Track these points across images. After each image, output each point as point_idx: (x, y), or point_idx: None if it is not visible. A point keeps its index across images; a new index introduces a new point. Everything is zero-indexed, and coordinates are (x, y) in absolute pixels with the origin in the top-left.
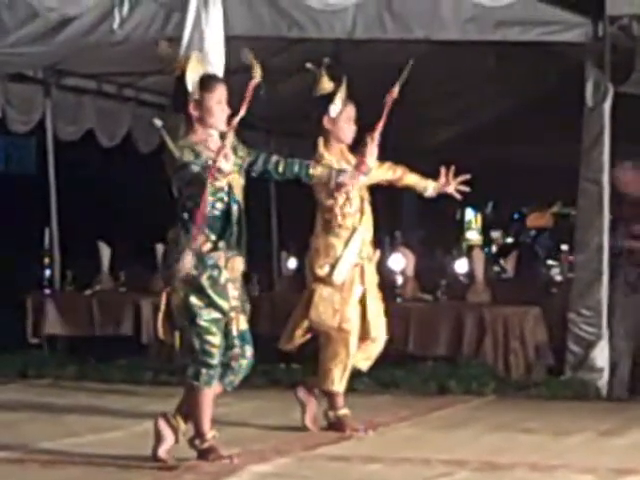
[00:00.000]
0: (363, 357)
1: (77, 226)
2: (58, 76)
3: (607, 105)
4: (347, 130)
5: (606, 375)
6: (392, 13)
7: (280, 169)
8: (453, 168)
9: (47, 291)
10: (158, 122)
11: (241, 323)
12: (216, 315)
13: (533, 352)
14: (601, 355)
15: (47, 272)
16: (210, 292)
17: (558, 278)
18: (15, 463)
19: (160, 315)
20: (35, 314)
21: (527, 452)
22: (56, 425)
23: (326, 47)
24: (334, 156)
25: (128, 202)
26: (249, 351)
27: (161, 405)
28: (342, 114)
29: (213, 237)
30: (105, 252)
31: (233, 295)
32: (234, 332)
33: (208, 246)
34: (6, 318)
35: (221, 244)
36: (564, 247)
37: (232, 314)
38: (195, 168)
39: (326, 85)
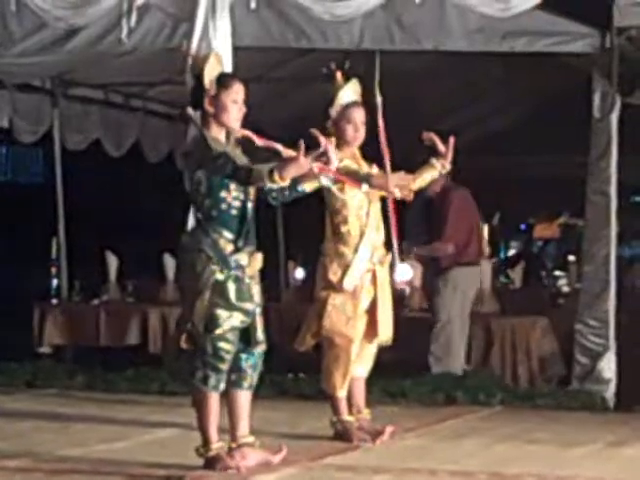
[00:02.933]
0: (361, 365)
1: (84, 236)
2: (65, 86)
3: (614, 116)
4: (349, 131)
5: (613, 386)
6: (400, 24)
7: (274, 194)
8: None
9: (54, 301)
10: (191, 110)
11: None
12: (237, 323)
13: (540, 363)
14: (608, 366)
15: (54, 282)
16: (235, 300)
17: (565, 289)
18: (22, 472)
19: (188, 325)
20: (42, 324)
21: (534, 463)
22: (63, 435)
23: (334, 58)
24: (346, 157)
25: (135, 212)
26: (263, 346)
27: (168, 415)
28: (343, 115)
29: (231, 237)
30: (112, 262)
31: (256, 291)
32: (258, 328)
33: (230, 247)
34: (14, 328)
35: (240, 243)
36: (571, 258)
37: (257, 310)
38: (234, 158)
39: (337, 88)
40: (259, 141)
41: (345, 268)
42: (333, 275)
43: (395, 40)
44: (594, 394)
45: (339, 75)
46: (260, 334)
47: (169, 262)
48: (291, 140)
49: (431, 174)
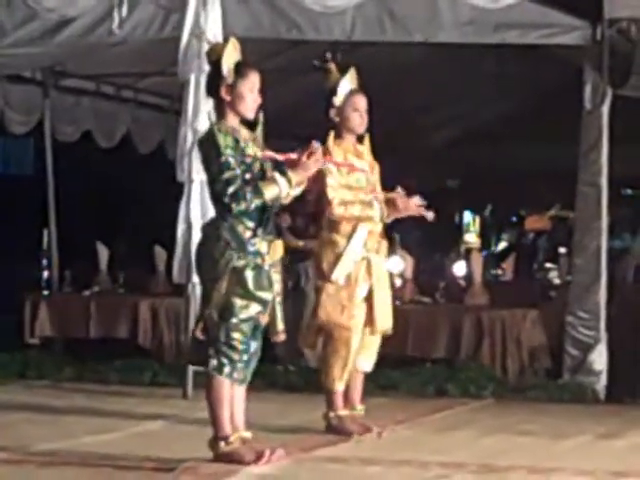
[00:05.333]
0: (364, 358)
1: (75, 227)
2: (57, 77)
3: (605, 108)
4: (355, 119)
5: (604, 378)
6: (391, 15)
7: None
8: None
9: (45, 292)
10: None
11: None
12: (253, 313)
13: (530, 355)
14: (599, 358)
15: (45, 273)
16: (253, 289)
17: (556, 281)
18: (12, 464)
19: (206, 313)
20: (33, 315)
21: (525, 455)
22: (54, 426)
23: (324, 50)
24: (342, 150)
25: (127, 203)
26: (282, 336)
27: (158, 407)
28: (347, 103)
29: (251, 224)
30: (103, 253)
31: (276, 279)
32: (278, 318)
33: (248, 233)
34: (5, 319)
35: (259, 231)
36: (562, 250)
37: (278, 299)
38: (236, 170)
39: (335, 77)
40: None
41: (337, 257)
42: (326, 264)
43: (386, 32)
44: (585, 386)
45: (333, 66)
46: (280, 323)
47: (160, 253)
48: (280, 133)
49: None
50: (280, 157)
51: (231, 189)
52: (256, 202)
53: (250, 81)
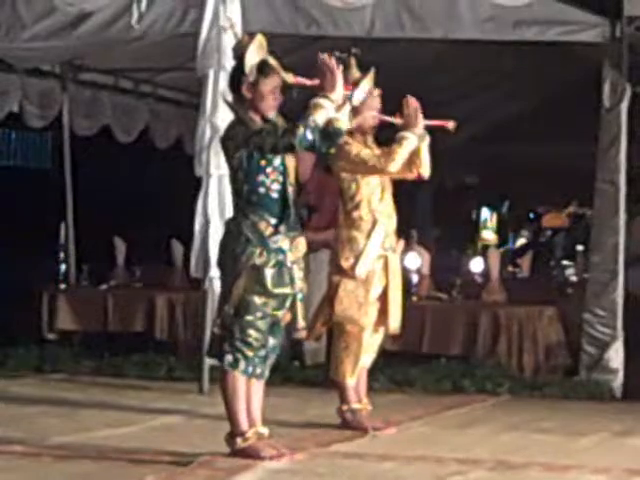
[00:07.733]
0: (367, 354)
1: (93, 221)
2: (75, 71)
3: (624, 106)
4: (370, 119)
5: (620, 376)
6: (410, 12)
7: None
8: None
9: (62, 286)
10: (229, 97)
11: None
12: (270, 310)
13: (547, 352)
14: (616, 356)
15: (62, 267)
16: (272, 286)
17: (573, 279)
18: (29, 457)
19: (226, 308)
20: (50, 309)
21: (541, 452)
22: (70, 420)
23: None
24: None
25: (144, 198)
26: (303, 332)
27: (175, 401)
28: (365, 104)
29: (273, 221)
30: (121, 247)
31: (299, 276)
32: (299, 315)
33: (270, 230)
34: (22, 313)
35: (282, 227)
36: (580, 247)
37: (299, 295)
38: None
39: (355, 74)
40: (292, 79)
41: (357, 254)
42: (345, 261)
43: (405, 28)
44: (601, 384)
45: (354, 61)
46: (301, 320)
47: (177, 248)
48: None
49: (408, 146)
50: (309, 82)
51: (280, 131)
52: (311, 127)
53: (272, 80)
